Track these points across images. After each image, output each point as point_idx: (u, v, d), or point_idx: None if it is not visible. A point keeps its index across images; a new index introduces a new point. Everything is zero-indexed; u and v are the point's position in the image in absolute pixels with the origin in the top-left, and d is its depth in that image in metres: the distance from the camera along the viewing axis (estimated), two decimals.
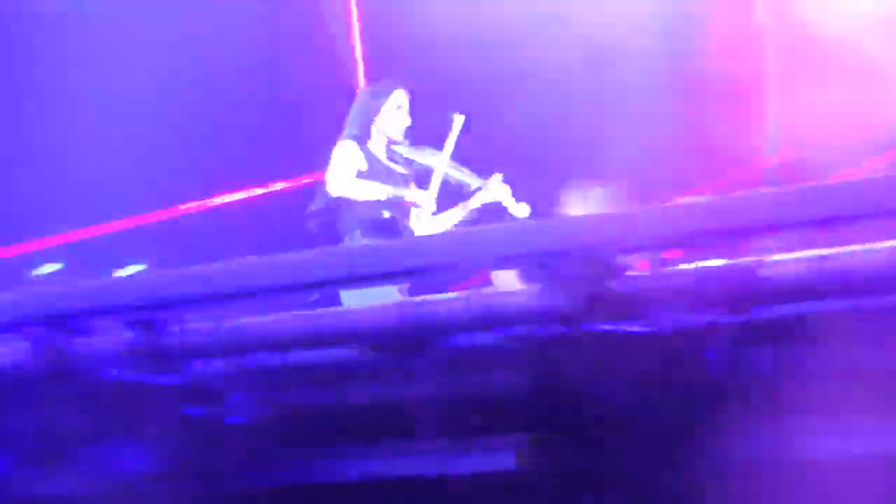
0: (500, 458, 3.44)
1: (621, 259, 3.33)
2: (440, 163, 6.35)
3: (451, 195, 6.50)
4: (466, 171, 6.37)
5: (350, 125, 6.41)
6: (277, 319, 3.69)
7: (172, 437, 3.87)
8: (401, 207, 6.29)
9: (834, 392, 3.16)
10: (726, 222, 3.22)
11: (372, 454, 3.69)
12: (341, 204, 6.27)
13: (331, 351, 3.67)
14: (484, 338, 3.52)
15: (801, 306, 3.25)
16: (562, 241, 3.31)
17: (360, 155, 6.29)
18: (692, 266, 3.30)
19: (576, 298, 3.22)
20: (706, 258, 3.33)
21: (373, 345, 3.58)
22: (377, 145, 6.36)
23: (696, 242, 3.36)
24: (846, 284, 3.17)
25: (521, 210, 6.23)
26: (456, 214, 6.38)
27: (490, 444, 3.48)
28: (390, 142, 6.39)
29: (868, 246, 3.21)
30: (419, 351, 3.49)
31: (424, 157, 6.43)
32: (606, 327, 3.26)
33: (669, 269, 3.32)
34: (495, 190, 6.28)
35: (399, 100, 6.41)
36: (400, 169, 6.40)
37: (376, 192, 6.19)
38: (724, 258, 3.33)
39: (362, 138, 6.33)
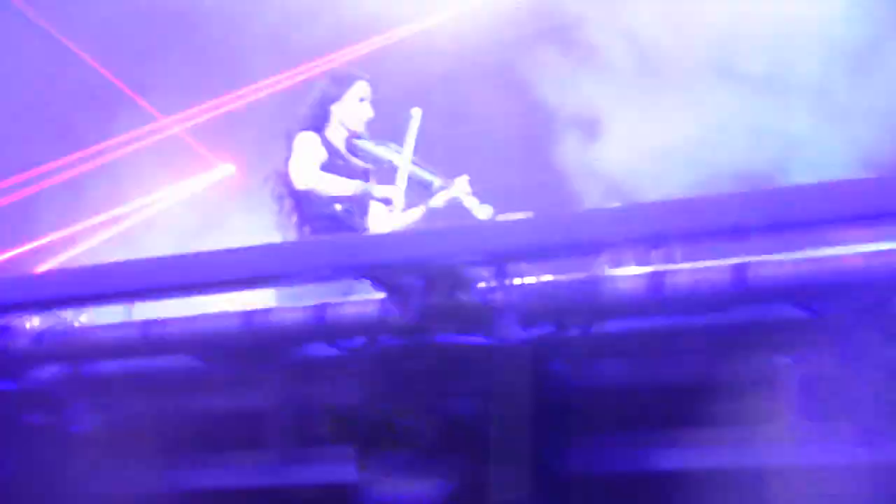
0: (342, 468, 3.42)
1: (468, 271, 3.33)
2: (403, 159, 6.07)
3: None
4: (429, 168, 6.13)
5: (307, 113, 6.11)
6: (119, 326, 3.63)
7: (12, 445, 3.78)
8: (357, 203, 5.99)
9: (673, 405, 3.19)
10: (574, 237, 3.24)
11: (214, 463, 3.64)
12: (299, 197, 5.95)
13: (174, 358, 3.62)
14: (328, 348, 3.50)
15: (643, 321, 3.27)
16: (407, 253, 3.30)
17: (320, 146, 6.00)
18: (536, 279, 3.32)
19: (420, 309, 3.22)
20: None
21: (216, 353, 3.53)
22: (336, 136, 6.08)
23: (545, 255, 3.36)
24: (686, 300, 3.20)
25: (483, 211, 5.96)
26: (417, 214, 6.05)
27: (331, 455, 3.46)
28: (351, 134, 6.12)
29: (710, 263, 3.26)
30: (262, 360, 3.46)
31: (387, 152, 6.13)
32: (451, 338, 3.26)
33: (515, 281, 3.32)
34: (458, 190, 6.02)
35: (361, 90, 6.13)
36: (359, 163, 6.12)
37: (343, 186, 5.91)
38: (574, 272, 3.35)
39: (321, 128, 6.05)
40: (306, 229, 5.90)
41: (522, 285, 3.29)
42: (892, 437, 2.94)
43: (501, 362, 3.26)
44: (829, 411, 3.04)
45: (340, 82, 6.17)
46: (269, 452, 3.54)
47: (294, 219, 5.95)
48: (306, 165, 5.86)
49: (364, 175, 6.05)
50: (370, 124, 6.14)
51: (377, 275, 3.36)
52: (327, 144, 5.99)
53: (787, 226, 3.05)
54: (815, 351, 3.07)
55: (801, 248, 3.27)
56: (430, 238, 3.36)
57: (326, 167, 5.93)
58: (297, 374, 3.50)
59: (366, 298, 3.43)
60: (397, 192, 5.95)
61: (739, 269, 3.14)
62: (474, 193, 6.01)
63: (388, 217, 5.97)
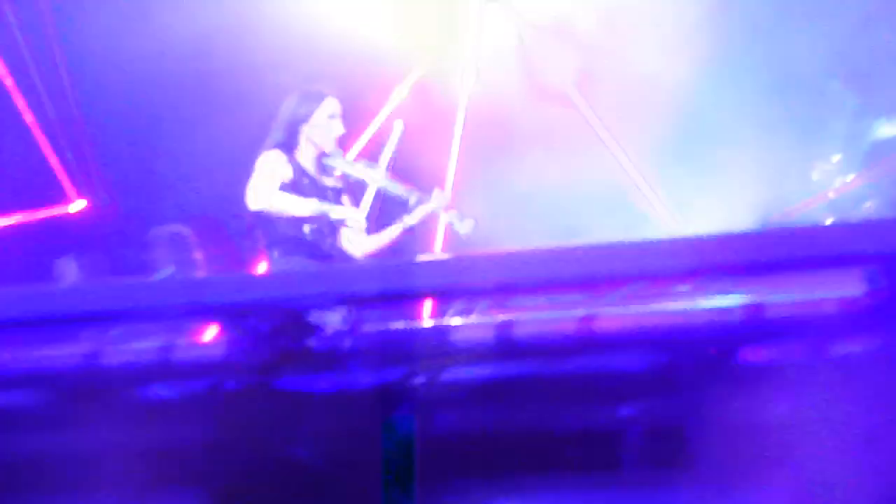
0: None
1: (317, 314, 3.31)
2: (375, 176, 5.87)
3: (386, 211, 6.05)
4: (404, 185, 5.86)
5: (275, 132, 5.84)
6: None
7: None
8: (328, 225, 5.69)
9: (518, 452, 3.20)
10: (422, 284, 3.23)
11: None
12: (261, 219, 5.66)
13: (8, 394, 3.49)
14: (171, 389, 3.43)
15: (491, 368, 3.28)
16: (254, 295, 3.25)
17: (287, 165, 5.73)
18: (383, 326, 3.31)
19: (265, 352, 3.18)
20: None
21: (54, 390, 3.43)
22: (305, 155, 5.81)
23: (393, 301, 3.36)
24: (533, 349, 3.22)
25: (465, 226, 5.79)
26: (394, 231, 5.83)
27: (170, 497, 3.38)
28: (321, 153, 5.85)
29: (558, 313, 3.29)
30: (102, 400, 3.36)
31: (359, 169, 5.90)
32: (296, 382, 3.22)
33: (363, 328, 3.31)
34: (436, 204, 5.81)
35: (331, 107, 5.87)
36: (331, 182, 5.86)
37: (300, 206, 5.60)
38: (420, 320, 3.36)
39: (289, 147, 5.78)
40: (275, 253, 5.58)
41: (371, 330, 3.28)
42: (733, 487, 2.99)
43: (347, 408, 3.24)
44: (672, 461, 3.08)
45: (309, 100, 5.93)
46: (106, 495, 3.44)
47: (262, 242, 5.68)
48: (262, 185, 5.62)
49: (335, 194, 5.83)
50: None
51: (223, 316, 3.31)
52: (294, 163, 5.76)
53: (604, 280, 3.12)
54: (657, 401, 3.11)
55: (646, 300, 3.33)
56: (278, 280, 3.32)
57: (291, 187, 5.69)
58: (138, 415, 3.41)
59: (212, 340, 3.37)
60: (357, 213, 5.78)
61: (585, 319, 3.18)
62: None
63: (357, 238, 5.77)
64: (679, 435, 3.08)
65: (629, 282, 3.33)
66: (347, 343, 3.30)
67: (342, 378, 3.26)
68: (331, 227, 5.69)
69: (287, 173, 5.69)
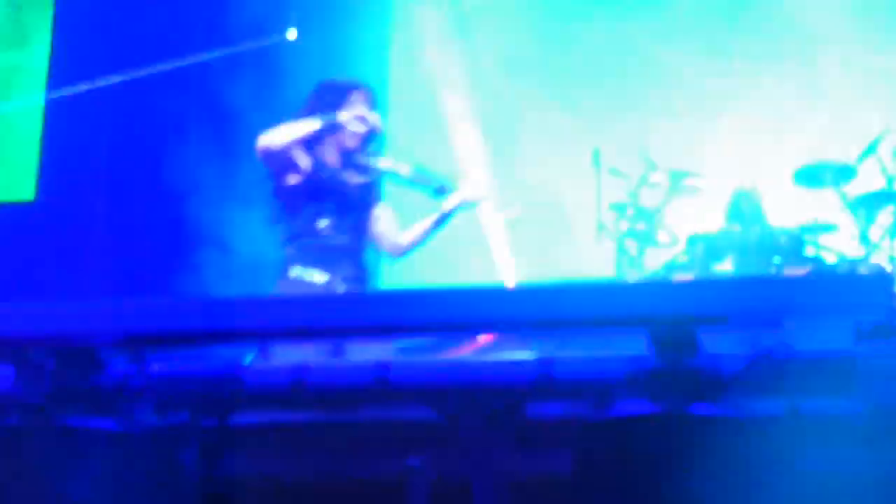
0: None
1: (103, 351, 3.23)
2: (405, 168, 5.42)
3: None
4: (436, 173, 5.44)
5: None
6: None
7: None
8: (347, 219, 5.30)
9: (305, 498, 3.18)
10: (209, 324, 3.19)
11: None
12: (283, 213, 5.29)
13: None
14: None
15: (282, 414, 3.25)
16: (39, 328, 3.17)
17: (305, 156, 5.28)
18: (170, 365, 3.26)
19: (45, 389, 3.11)
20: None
21: None
22: (329, 150, 5.38)
23: (187, 341, 3.30)
24: (326, 396, 3.20)
25: (512, 211, 5.57)
26: (429, 222, 5.40)
27: None
28: (347, 149, 5.40)
29: (353, 361, 3.29)
30: None
31: (386, 163, 5.45)
32: (78, 421, 3.15)
33: (152, 367, 3.24)
34: (471, 192, 5.41)
35: (359, 99, 5.43)
36: (356, 178, 5.41)
37: (303, 125, 5.22)
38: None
39: (310, 142, 5.32)
40: (290, 250, 5.29)
41: (159, 371, 3.22)
42: None
43: (133, 448, 3.17)
44: None
45: (335, 92, 5.50)
46: None
47: (280, 239, 5.35)
48: (277, 132, 5.26)
49: (361, 189, 5.42)
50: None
51: (5, 350, 3.21)
52: (314, 156, 5.33)
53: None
54: (446, 452, 3.12)
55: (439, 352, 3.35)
56: (65, 313, 3.24)
57: (312, 180, 5.31)
58: None
59: None
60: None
61: (380, 368, 3.18)
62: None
63: (391, 231, 5.42)
64: (465, 486, 3.09)
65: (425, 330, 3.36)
66: (136, 382, 3.22)
67: (128, 417, 3.19)
68: (351, 222, 5.33)
69: (303, 158, 5.29)
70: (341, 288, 5.14)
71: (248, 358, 3.83)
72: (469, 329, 3.28)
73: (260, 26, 9.21)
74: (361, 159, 5.40)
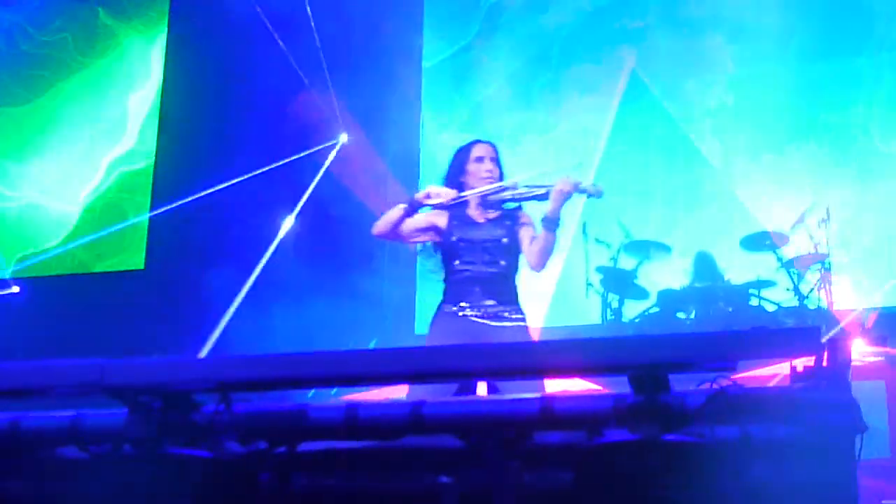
0: None
1: (198, 395, 3.23)
2: (511, 187, 5.14)
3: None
4: (531, 184, 5.12)
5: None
6: None
7: None
8: (472, 250, 5.06)
9: None
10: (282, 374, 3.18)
11: None
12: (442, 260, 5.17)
13: None
14: (79, 452, 3.30)
15: (339, 443, 3.23)
16: (147, 378, 3.17)
17: (439, 215, 5.15)
18: (247, 404, 3.25)
19: (153, 424, 3.11)
20: None
21: None
22: (471, 205, 5.17)
23: (261, 387, 3.29)
24: (373, 428, 3.18)
25: (597, 189, 5.06)
26: (541, 229, 5.06)
27: None
28: (481, 197, 5.15)
29: (392, 399, 3.27)
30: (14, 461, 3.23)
31: (494, 189, 5.13)
32: (178, 451, 3.14)
33: (236, 407, 3.23)
34: (563, 185, 5.00)
35: (478, 152, 5.25)
36: (484, 214, 5.18)
37: (392, 211, 5.14)
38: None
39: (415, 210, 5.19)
40: (444, 286, 5.15)
41: (242, 409, 3.21)
42: None
43: (220, 472, 3.16)
44: None
45: (460, 151, 5.33)
46: None
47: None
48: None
49: (490, 223, 5.17)
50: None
51: (122, 394, 3.21)
52: (454, 214, 5.17)
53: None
54: (470, 473, 3.09)
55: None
56: (169, 366, 3.24)
57: (440, 235, 5.19)
58: (51, 473, 3.28)
59: (113, 411, 3.25)
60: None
61: (416, 405, 3.16)
62: None
63: (530, 249, 5.07)
64: (486, 499, 3.06)
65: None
66: (223, 419, 3.21)
67: (217, 447, 3.19)
68: (483, 255, 5.07)
69: (440, 221, 5.18)
70: (478, 312, 5.01)
71: (310, 394, 3.82)
72: (483, 376, 3.28)
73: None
74: (493, 198, 5.15)
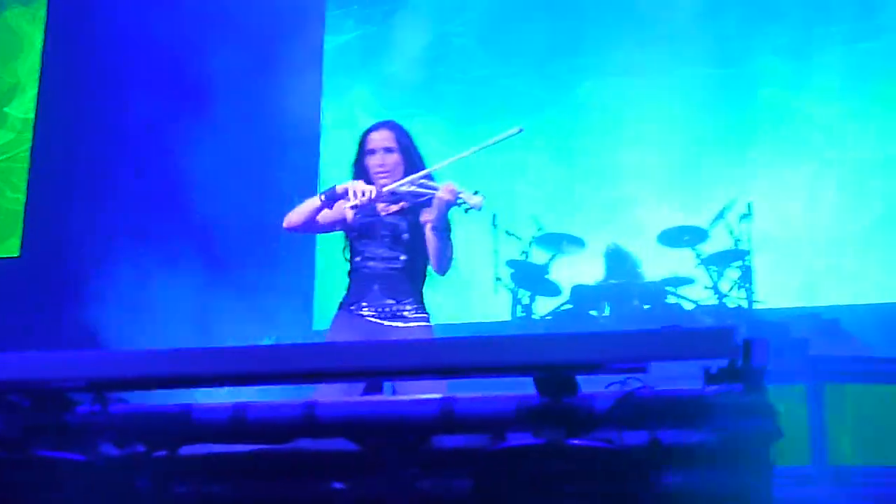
0: None
1: (71, 394, 3.17)
2: (404, 185, 5.04)
3: None
4: (424, 183, 5.03)
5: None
6: None
7: None
8: (380, 257, 5.06)
9: None
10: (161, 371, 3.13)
11: None
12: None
13: None
14: None
15: (223, 447, 3.19)
16: (15, 374, 3.10)
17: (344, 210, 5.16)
18: (132, 405, 3.20)
19: (21, 425, 3.04)
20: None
21: None
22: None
23: (141, 386, 3.24)
24: (262, 430, 3.15)
25: (476, 200, 4.89)
26: (429, 235, 4.99)
27: None
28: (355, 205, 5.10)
29: (285, 400, 3.25)
30: None
31: (390, 192, 5.07)
32: (48, 454, 3.07)
33: (112, 407, 3.17)
34: (444, 193, 4.90)
35: (369, 143, 5.21)
36: (389, 208, 5.16)
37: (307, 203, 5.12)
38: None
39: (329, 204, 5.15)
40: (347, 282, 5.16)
41: (119, 409, 3.16)
42: None
43: (97, 477, 3.10)
44: None
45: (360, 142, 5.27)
46: None
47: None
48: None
49: (394, 218, 5.13)
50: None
51: None
52: (356, 208, 5.12)
53: None
54: (365, 479, 3.08)
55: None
56: (39, 361, 3.17)
57: (345, 229, 5.20)
58: None
59: None
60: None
61: (308, 406, 3.14)
62: None
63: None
64: None
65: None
66: (99, 419, 3.15)
67: (92, 451, 3.13)
68: (384, 252, 5.07)
69: (348, 213, 5.16)
70: (375, 312, 5.00)
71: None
72: (389, 376, 3.27)
73: None
74: (390, 193, 5.08)
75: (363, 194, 5.00)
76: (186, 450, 3.14)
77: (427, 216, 5.04)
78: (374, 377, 4.04)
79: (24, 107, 10.06)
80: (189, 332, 8.18)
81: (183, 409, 3.15)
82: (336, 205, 5.11)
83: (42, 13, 10.19)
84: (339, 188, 5.06)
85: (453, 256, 5.06)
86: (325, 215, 5.15)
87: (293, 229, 5.20)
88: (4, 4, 10.33)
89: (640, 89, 9.62)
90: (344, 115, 10.31)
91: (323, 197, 5.08)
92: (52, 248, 9.51)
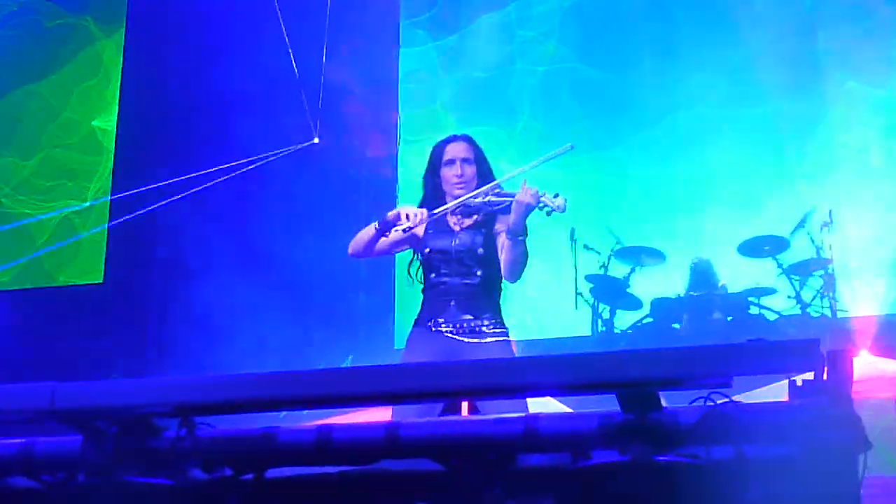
0: None
1: (158, 420, 3.21)
2: (481, 196, 5.05)
3: None
4: (500, 192, 5.04)
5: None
6: None
7: None
8: (436, 260, 5.10)
9: None
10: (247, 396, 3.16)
11: None
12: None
13: None
14: (29, 481, 3.28)
15: (310, 469, 3.21)
16: (102, 401, 3.15)
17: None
18: (217, 429, 3.23)
19: (109, 451, 3.09)
20: None
21: None
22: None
23: (227, 410, 3.27)
24: (347, 453, 3.17)
25: (558, 202, 4.86)
26: (505, 243, 4.97)
27: None
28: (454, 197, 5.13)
29: (369, 421, 3.26)
30: None
31: (464, 203, 5.08)
32: (137, 479, 3.12)
33: (199, 432, 3.21)
34: (523, 196, 4.86)
35: (448, 153, 5.23)
36: (461, 223, 5.19)
37: (364, 232, 5.16)
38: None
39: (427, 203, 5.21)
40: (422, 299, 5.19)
41: (205, 434, 3.19)
42: None
43: (183, 502, 3.14)
44: None
45: (432, 152, 5.29)
46: None
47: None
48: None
49: (465, 233, 5.13)
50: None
51: (75, 419, 3.19)
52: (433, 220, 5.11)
53: None
54: (449, 498, 3.08)
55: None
56: (125, 389, 3.23)
57: (416, 250, 5.24)
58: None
59: (66, 438, 3.23)
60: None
61: (392, 427, 3.15)
62: None
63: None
64: None
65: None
66: (186, 444, 3.19)
67: (180, 475, 3.17)
68: (458, 267, 5.07)
69: (417, 230, 5.10)
70: (453, 328, 5.00)
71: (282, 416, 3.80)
72: (470, 396, 3.25)
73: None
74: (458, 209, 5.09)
75: (415, 216, 5.03)
76: (273, 472, 3.17)
77: (503, 224, 5.03)
78: (454, 398, 4.04)
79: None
80: (273, 357, 8.27)
81: (268, 432, 3.17)
82: (392, 230, 5.14)
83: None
84: (391, 214, 5.10)
85: (527, 264, 5.03)
86: (383, 242, 5.19)
87: (357, 257, 5.28)
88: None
89: (721, 94, 9.53)
90: (419, 132, 10.35)
91: (378, 225, 5.13)
92: (135, 275, 9.66)
